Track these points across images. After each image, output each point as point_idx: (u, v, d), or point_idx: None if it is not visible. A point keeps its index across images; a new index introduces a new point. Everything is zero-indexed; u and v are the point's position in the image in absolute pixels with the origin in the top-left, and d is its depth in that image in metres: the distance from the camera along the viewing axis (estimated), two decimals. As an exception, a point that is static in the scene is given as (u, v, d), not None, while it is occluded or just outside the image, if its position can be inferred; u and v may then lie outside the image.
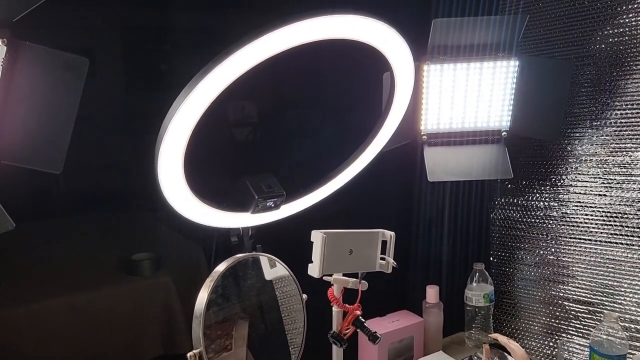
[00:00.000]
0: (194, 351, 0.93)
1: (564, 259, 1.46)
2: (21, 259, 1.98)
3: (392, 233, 1.08)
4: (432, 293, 1.47)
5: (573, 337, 1.46)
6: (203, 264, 1.94)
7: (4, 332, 1.51)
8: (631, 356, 1.24)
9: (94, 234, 2.29)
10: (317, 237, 0.98)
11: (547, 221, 1.49)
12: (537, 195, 1.51)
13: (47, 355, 1.56)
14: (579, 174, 1.42)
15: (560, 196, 1.46)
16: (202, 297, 0.95)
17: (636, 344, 1.33)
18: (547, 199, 1.49)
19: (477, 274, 1.49)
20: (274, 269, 1.13)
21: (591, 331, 1.38)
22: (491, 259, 1.63)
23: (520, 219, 1.55)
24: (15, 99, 0.83)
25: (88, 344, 1.64)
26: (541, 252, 1.51)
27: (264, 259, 1.12)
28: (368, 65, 1.19)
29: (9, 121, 0.84)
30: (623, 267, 1.35)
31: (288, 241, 1.19)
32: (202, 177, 1.05)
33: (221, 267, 1.00)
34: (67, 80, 0.87)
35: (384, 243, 1.09)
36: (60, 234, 2.28)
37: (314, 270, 0.98)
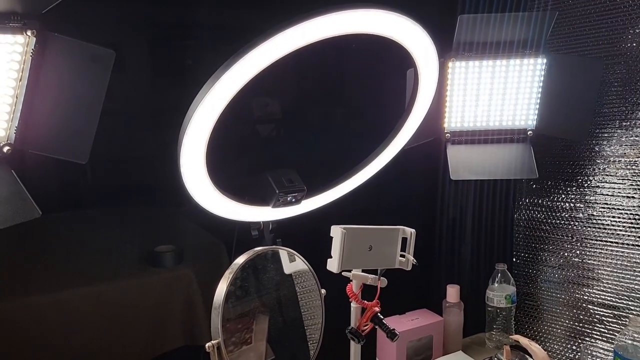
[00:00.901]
0: (212, 342, 0.93)
1: (589, 261, 1.43)
2: (48, 248, 2.03)
3: (413, 230, 1.07)
4: (452, 292, 1.46)
5: (597, 341, 1.43)
6: (224, 257, 1.96)
7: (31, 319, 1.55)
8: (657, 362, 1.21)
9: (118, 226, 2.34)
10: (336, 232, 0.98)
11: (572, 223, 1.46)
12: (563, 196, 1.48)
13: (71, 343, 1.60)
14: (607, 175, 1.39)
15: (586, 197, 1.43)
16: (221, 288, 0.96)
17: (663, 350, 1.29)
18: (573, 200, 1.46)
19: (499, 274, 1.47)
20: (293, 263, 1.13)
21: (616, 336, 1.35)
22: (514, 259, 1.61)
23: (545, 220, 1.53)
24: (43, 89, 0.85)
25: (111, 333, 1.67)
26: (566, 254, 1.48)
27: (283, 253, 1.12)
28: (392, 61, 1.18)
29: (37, 111, 0.86)
30: (650, 271, 1.32)
31: (309, 236, 1.20)
32: (225, 171, 1.06)
33: (240, 260, 1.01)
34: (94, 71, 0.88)
35: (404, 240, 1.08)
36: (86, 225, 2.33)
37: (332, 265, 0.98)
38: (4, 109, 0.83)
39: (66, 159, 0.90)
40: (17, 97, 0.83)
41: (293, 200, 1.13)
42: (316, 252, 1.09)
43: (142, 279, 1.79)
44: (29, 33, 0.80)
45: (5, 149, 0.85)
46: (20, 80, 0.83)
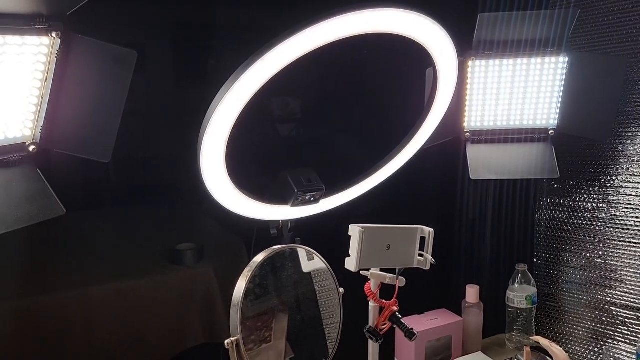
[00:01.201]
0: (231, 339, 0.94)
1: (612, 262, 1.41)
2: (72, 246, 2.07)
3: (431, 229, 1.07)
4: (472, 292, 1.45)
5: (620, 343, 1.41)
6: (244, 255, 1.98)
7: (54, 315, 1.58)
8: (682, 366, 1.19)
9: (140, 224, 2.37)
10: (354, 231, 0.98)
11: (595, 223, 1.44)
12: (585, 196, 1.46)
13: (94, 338, 1.63)
14: (630, 175, 1.36)
15: (609, 198, 1.41)
16: (240, 286, 0.97)
17: (688, 353, 1.27)
18: (595, 201, 1.44)
19: (520, 275, 1.46)
20: (311, 262, 1.14)
21: (639, 338, 1.33)
22: (535, 260, 1.59)
23: (566, 221, 1.51)
24: (67, 89, 0.87)
25: (133, 329, 1.70)
26: (588, 254, 1.46)
27: (302, 251, 1.13)
28: (411, 60, 1.18)
29: (61, 111, 0.88)
30: (675, 273, 1.30)
31: (327, 236, 1.20)
32: (244, 170, 1.07)
33: (259, 258, 1.02)
34: (117, 72, 0.90)
35: (423, 240, 1.08)
36: (109, 223, 2.37)
37: (350, 264, 0.99)
38: (30, 109, 0.85)
39: (89, 158, 0.92)
40: (42, 98, 0.85)
41: (312, 199, 1.13)
42: (335, 251, 1.10)
43: (163, 277, 1.81)
44: (54, 35, 0.82)
45: (31, 148, 0.87)
46: (46, 81, 0.85)
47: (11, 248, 1.69)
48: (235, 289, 0.97)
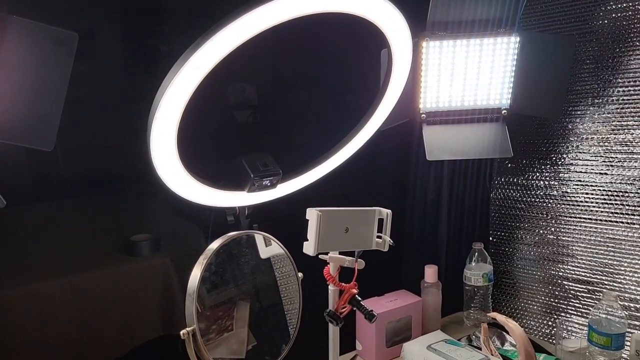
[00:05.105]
0: (187, 329, 0.92)
1: (563, 238, 1.45)
2: (21, 240, 1.98)
3: (389, 211, 1.07)
4: (430, 272, 1.47)
5: (572, 316, 1.45)
6: (202, 244, 1.94)
7: (4, 312, 1.52)
8: (630, 335, 1.24)
9: (93, 215, 2.29)
10: (312, 214, 0.97)
11: (547, 200, 1.48)
12: (537, 174, 1.49)
13: (47, 335, 1.57)
14: (580, 152, 1.40)
15: (560, 175, 1.44)
16: (195, 274, 0.95)
17: (635, 322, 1.32)
18: (547, 178, 1.47)
19: (476, 253, 1.49)
20: (269, 247, 1.12)
21: (590, 310, 1.38)
22: (490, 238, 1.62)
23: (520, 198, 1.54)
24: (3, 74, 0.82)
25: (88, 324, 1.64)
26: (541, 231, 1.50)
27: (259, 237, 1.11)
28: (366, 41, 1.17)
29: (-3, 97, 0.83)
30: (623, 246, 1.34)
31: (285, 221, 1.18)
32: (198, 157, 1.04)
33: (214, 245, 1.00)
34: (57, 55, 0.85)
35: (381, 221, 1.08)
36: (61, 215, 2.28)
37: (309, 248, 0.98)
38: (-37, 95, 0.80)
39: (30, 146, 0.87)
40: (-25, 83, 0.80)
41: (268, 184, 1.11)
42: (293, 236, 1.08)
43: (118, 269, 1.76)
44: (-15, 15, 0.77)
45: (-35, 137, 0.82)
46: (-21, 65, 0.80)
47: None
48: (190, 277, 0.95)
